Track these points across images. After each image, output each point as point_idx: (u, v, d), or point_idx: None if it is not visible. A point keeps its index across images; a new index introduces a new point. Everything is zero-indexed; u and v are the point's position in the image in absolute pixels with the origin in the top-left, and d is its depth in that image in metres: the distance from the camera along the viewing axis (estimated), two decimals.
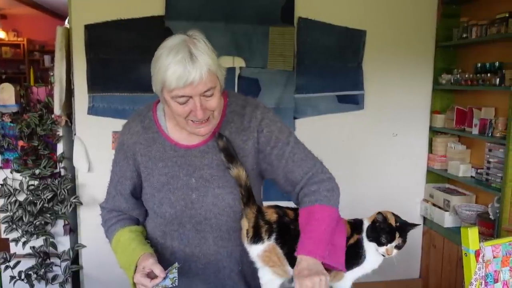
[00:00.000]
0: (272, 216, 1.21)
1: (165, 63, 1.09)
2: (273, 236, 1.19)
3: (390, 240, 1.20)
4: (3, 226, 2.67)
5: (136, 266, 1.18)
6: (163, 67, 1.09)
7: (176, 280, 1.15)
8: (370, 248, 1.23)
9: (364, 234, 1.24)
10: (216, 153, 1.23)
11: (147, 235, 1.35)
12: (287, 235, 1.20)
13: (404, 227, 1.23)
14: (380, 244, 1.21)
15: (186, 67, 1.07)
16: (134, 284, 1.19)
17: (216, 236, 1.26)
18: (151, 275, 1.16)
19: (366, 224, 1.25)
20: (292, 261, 1.17)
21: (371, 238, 1.22)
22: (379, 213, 1.23)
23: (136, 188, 1.31)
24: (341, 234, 1.21)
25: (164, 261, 1.23)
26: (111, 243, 1.31)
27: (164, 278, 1.14)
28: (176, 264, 1.16)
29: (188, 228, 1.26)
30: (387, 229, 1.21)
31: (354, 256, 1.23)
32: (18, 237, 2.67)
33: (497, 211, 2.50)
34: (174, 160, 1.24)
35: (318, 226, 1.15)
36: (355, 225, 1.27)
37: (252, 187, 1.23)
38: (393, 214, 1.26)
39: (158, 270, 1.15)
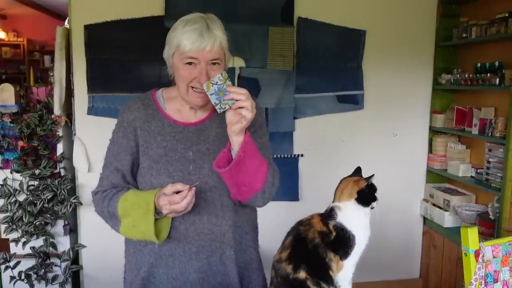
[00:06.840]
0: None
1: (183, 30, 1.22)
2: None
3: (376, 189, 1.31)
4: (3, 227, 2.67)
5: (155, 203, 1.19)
6: (180, 33, 1.22)
7: None
8: (356, 222, 1.24)
9: (339, 219, 1.24)
10: (212, 130, 1.32)
11: None
12: None
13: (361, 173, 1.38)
14: (375, 199, 1.29)
15: (202, 34, 1.20)
16: (155, 224, 1.19)
17: (210, 213, 1.29)
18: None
19: (342, 206, 1.27)
20: None
21: (370, 202, 1.27)
22: (366, 183, 1.30)
23: (134, 166, 1.32)
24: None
25: (158, 244, 1.26)
26: (118, 209, 1.25)
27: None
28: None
29: None
30: (372, 185, 1.30)
31: (344, 243, 1.22)
32: (18, 237, 2.67)
33: (497, 211, 2.50)
34: (172, 135, 1.30)
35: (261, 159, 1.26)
36: (325, 215, 1.27)
37: None
38: (348, 183, 1.34)
39: (179, 185, 1.16)
